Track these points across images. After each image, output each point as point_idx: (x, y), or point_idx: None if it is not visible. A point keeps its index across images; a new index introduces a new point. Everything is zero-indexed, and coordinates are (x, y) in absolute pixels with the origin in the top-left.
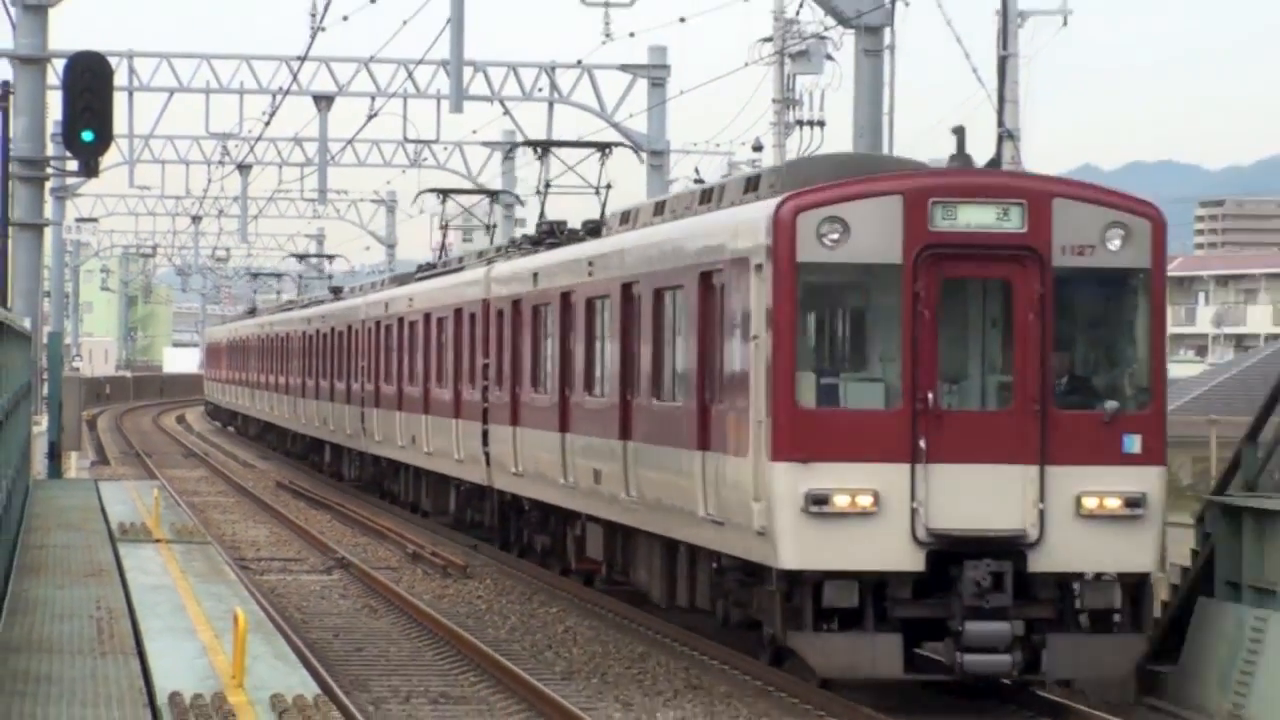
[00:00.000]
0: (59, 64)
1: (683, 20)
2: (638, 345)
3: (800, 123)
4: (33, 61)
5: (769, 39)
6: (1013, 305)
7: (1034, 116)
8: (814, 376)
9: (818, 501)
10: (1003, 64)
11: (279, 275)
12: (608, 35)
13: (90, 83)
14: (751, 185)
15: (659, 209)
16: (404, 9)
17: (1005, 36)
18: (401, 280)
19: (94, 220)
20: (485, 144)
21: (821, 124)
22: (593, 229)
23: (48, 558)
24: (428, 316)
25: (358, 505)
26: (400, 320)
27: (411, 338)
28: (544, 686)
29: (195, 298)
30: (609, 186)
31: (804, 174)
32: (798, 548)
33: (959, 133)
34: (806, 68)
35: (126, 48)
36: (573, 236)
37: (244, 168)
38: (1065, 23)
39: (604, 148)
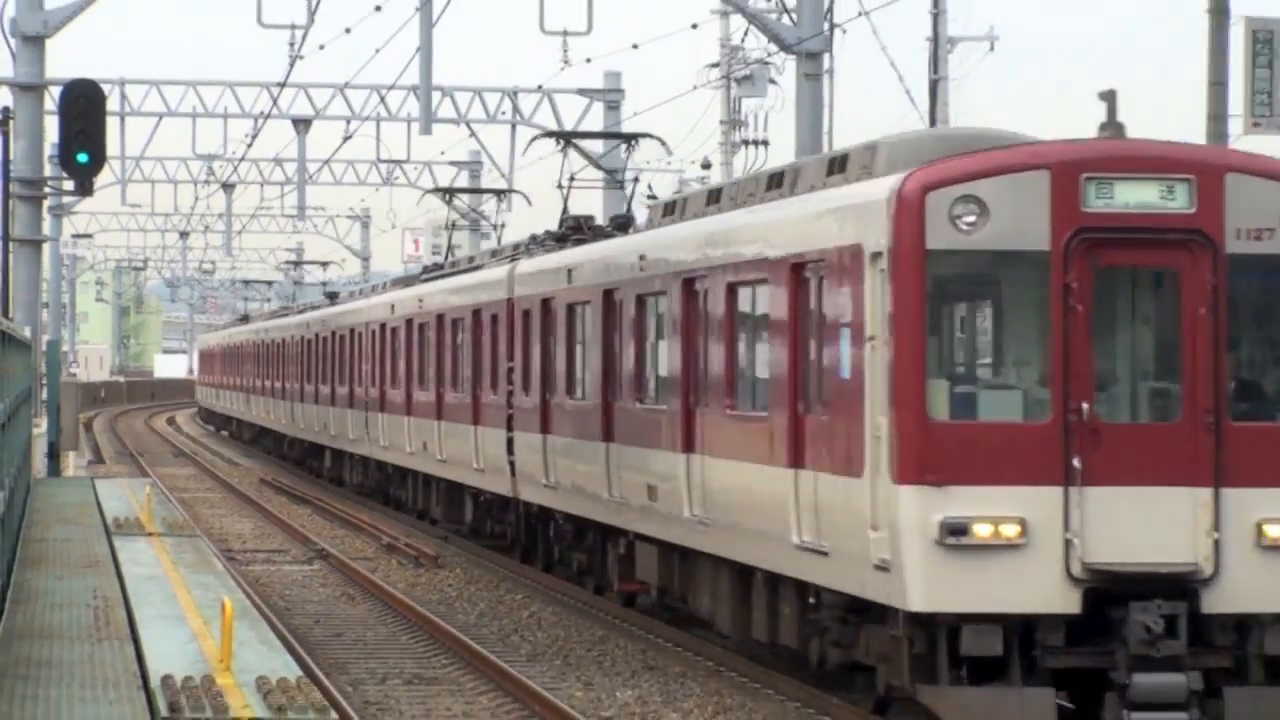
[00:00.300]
0: (55, 91)
1: (636, 47)
2: (703, 347)
3: (746, 142)
4: (31, 89)
5: (716, 64)
6: (1180, 299)
7: None
8: (947, 384)
9: (955, 532)
10: (934, 87)
11: (270, 283)
12: (566, 61)
13: (84, 108)
14: (837, 166)
15: (712, 198)
16: (376, 38)
17: (936, 61)
18: (407, 282)
19: (89, 236)
20: (453, 163)
21: (765, 143)
22: (622, 223)
23: (48, 551)
24: (440, 318)
25: (336, 500)
26: (409, 322)
27: (422, 340)
28: (510, 668)
29: (184, 308)
30: (635, 179)
31: (905, 152)
32: (930, 586)
33: (1109, 98)
34: (751, 91)
35: (118, 75)
36: (599, 232)
37: (228, 187)
38: (992, 48)
39: (629, 139)
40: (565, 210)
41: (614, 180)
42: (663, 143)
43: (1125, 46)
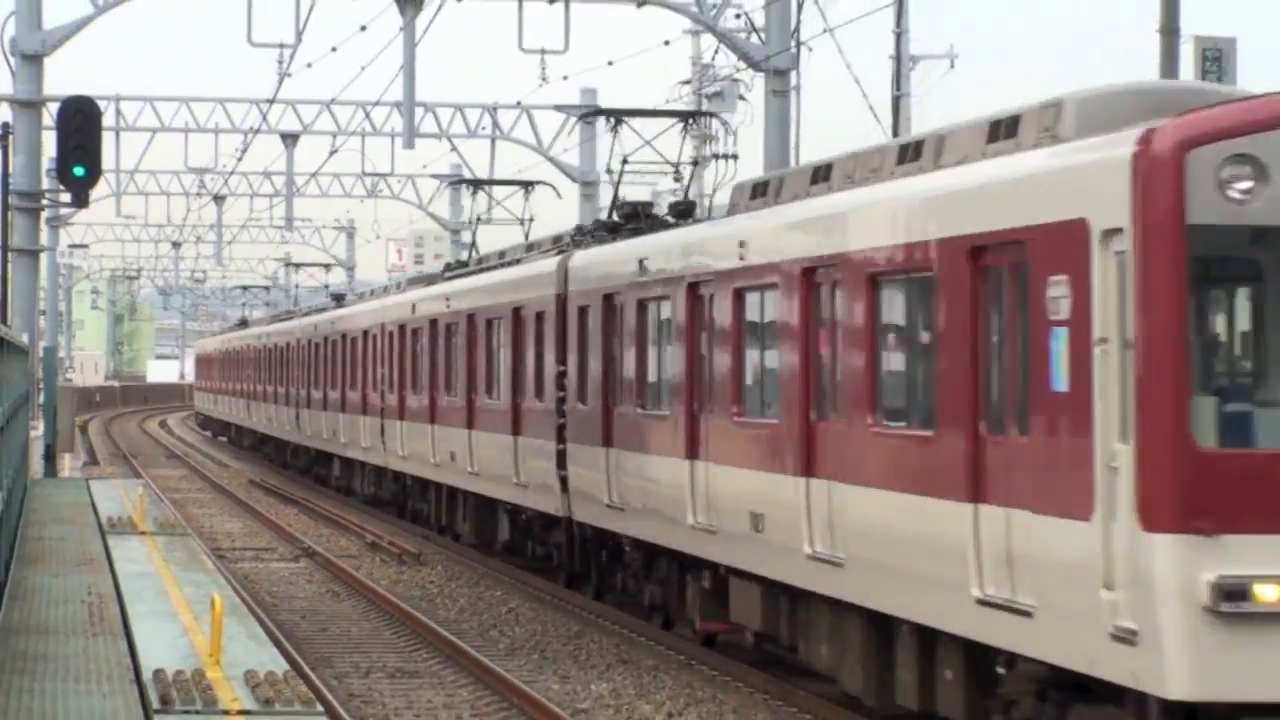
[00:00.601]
0: (53, 107)
1: (611, 64)
2: (834, 351)
3: (716, 156)
4: (30, 105)
5: (688, 81)
6: None
7: None
8: (1214, 401)
9: (1231, 596)
10: (896, 103)
11: (267, 287)
12: (544, 79)
13: (81, 123)
14: (1004, 131)
15: (819, 175)
16: (362, 56)
17: (898, 78)
18: (429, 280)
19: (85, 246)
20: (435, 176)
21: (735, 157)
22: (684, 210)
23: (44, 549)
24: (471, 318)
25: (322, 500)
26: (433, 323)
27: (449, 342)
28: (490, 662)
29: (175, 315)
30: (695, 163)
31: (1099, 110)
32: (1199, 666)
33: None
34: (721, 107)
35: (114, 92)
36: (657, 221)
37: (219, 199)
38: (952, 65)
39: (688, 117)
40: (616, 197)
41: (670, 164)
42: (724, 122)
43: (1080, 63)
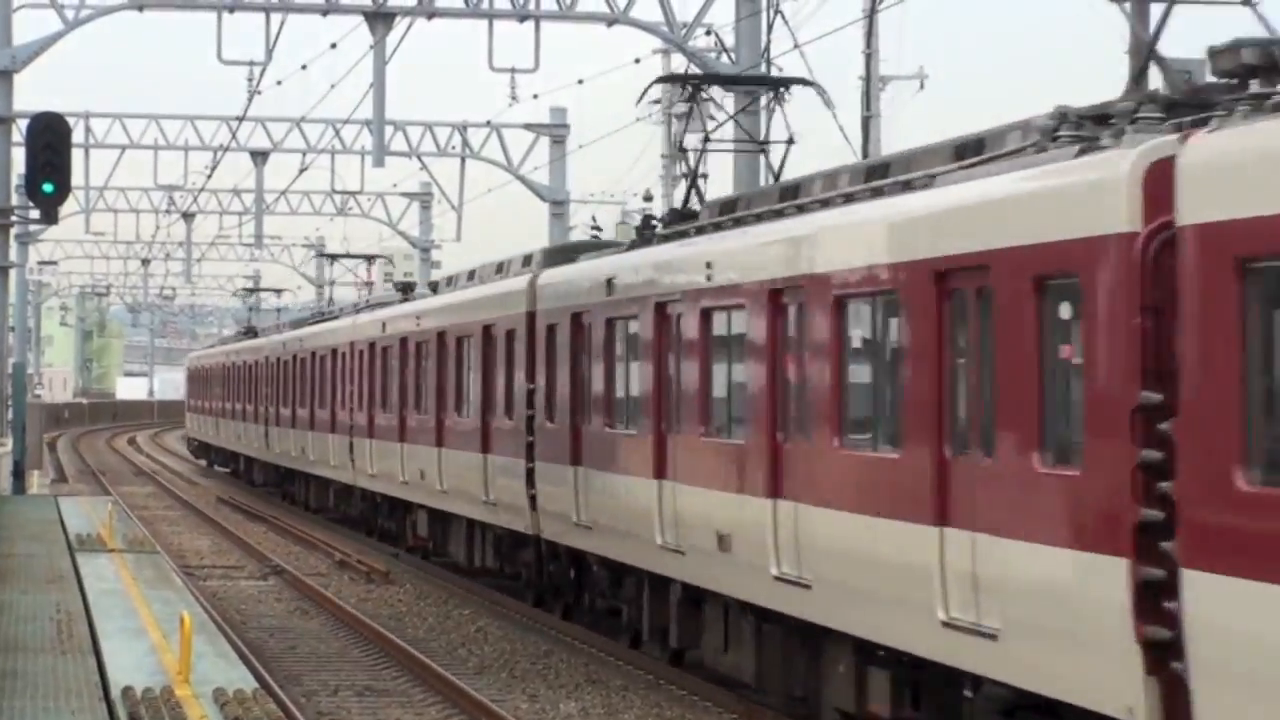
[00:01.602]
0: (23, 123)
1: (581, 82)
2: None
3: (686, 174)
4: None
5: (657, 100)
6: None
7: None
8: None
9: None
10: (866, 123)
11: (279, 291)
12: (514, 97)
13: (50, 140)
14: None
15: None
16: (332, 74)
17: (868, 99)
18: (608, 247)
19: (54, 263)
20: (405, 195)
21: (705, 176)
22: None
23: (13, 566)
24: (778, 296)
25: (290, 518)
26: (660, 309)
27: (706, 342)
28: (458, 681)
29: (144, 332)
30: (790, 141)
31: None
32: None
33: None
34: (691, 126)
35: (83, 109)
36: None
37: (188, 216)
38: (922, 86)
39: (779, 85)
40: (695, 171)
41: None
42: (821, 92)
43: (1049, 83)
